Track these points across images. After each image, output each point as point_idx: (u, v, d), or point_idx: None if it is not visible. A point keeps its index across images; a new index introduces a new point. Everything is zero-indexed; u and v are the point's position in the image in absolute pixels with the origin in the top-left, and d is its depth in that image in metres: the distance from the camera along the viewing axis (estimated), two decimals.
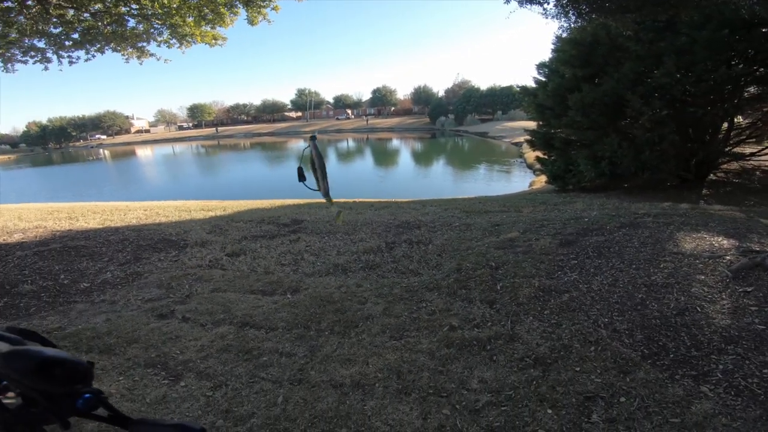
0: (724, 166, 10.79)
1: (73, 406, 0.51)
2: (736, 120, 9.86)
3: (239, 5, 7.46)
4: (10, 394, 0.52)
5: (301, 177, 2.99)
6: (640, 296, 3.00)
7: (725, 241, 3.77)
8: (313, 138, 3.03)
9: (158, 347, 2.83)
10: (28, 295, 3.76)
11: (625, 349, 2.45)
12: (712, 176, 10.21)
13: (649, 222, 4.65)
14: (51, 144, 78.26)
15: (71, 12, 6.94)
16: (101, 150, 64.30)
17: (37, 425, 0.55)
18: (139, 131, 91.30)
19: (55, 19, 6.86)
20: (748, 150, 10.40)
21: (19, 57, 7.44)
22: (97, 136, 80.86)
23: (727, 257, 3.39)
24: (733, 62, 7.96)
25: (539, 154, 13.02)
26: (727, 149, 9.77)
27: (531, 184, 15.53)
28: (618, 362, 2.34)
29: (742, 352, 2.32)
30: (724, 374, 2.18)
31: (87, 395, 0.53)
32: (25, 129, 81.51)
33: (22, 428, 0.58)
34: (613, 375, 2.24)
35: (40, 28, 6.95)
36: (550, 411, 2.04)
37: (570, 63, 9.96)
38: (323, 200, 3.16)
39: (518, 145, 28.74)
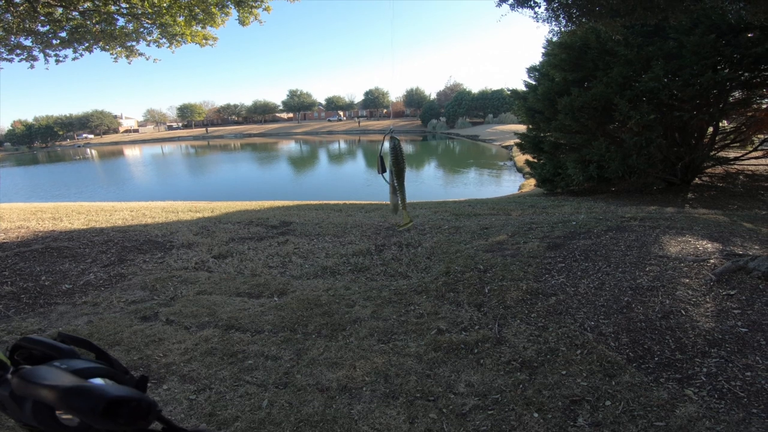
0: (709, 170, 10.98)
1: None
2: (721, 124, 10.03)
3: (230, 5, 7.40)
4: None
5: (382, 169, 2.96)
6: (626, 299, 3.02)
7: (709, 245, 3.83)
8: (391, 133, 3.00)
9: (141, 350, 2.78)
10: (7, 296, 3.67)
11: (610, 353, 2.46)
12: (697, 180, 10.39)
13: (636, 226, 4.69)
14: (37, 143, 76.72)
15: (60, 10, 6.82)
16: (88, 149, 63.15)
17: None
18: (127, 131, 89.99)
19: (42, 18, 6.74)
20: (732, 154, 10.60)
21: (4, 55, 7.28)
22: (84, 135, 79.36)
23: (711, 260, 3.43)
24: (719, 67, 8.08)
25: (529, 157, 13.10)
26: (712, 153, 9.94)
27: (521, 188, 15.63)
28: (603, 366, 2.35)
29: (726, 354, 2.34)
30: (708, 377, 2.19)
31: None
32: (10, 128, 79.76)
33: None
34: (599, 378, 2.25)
35: (27, 26, 6.82)
36: (536, 415, 2.04)
37: (560, 67, 10.04)
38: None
39: (508, 148, 28.95)
